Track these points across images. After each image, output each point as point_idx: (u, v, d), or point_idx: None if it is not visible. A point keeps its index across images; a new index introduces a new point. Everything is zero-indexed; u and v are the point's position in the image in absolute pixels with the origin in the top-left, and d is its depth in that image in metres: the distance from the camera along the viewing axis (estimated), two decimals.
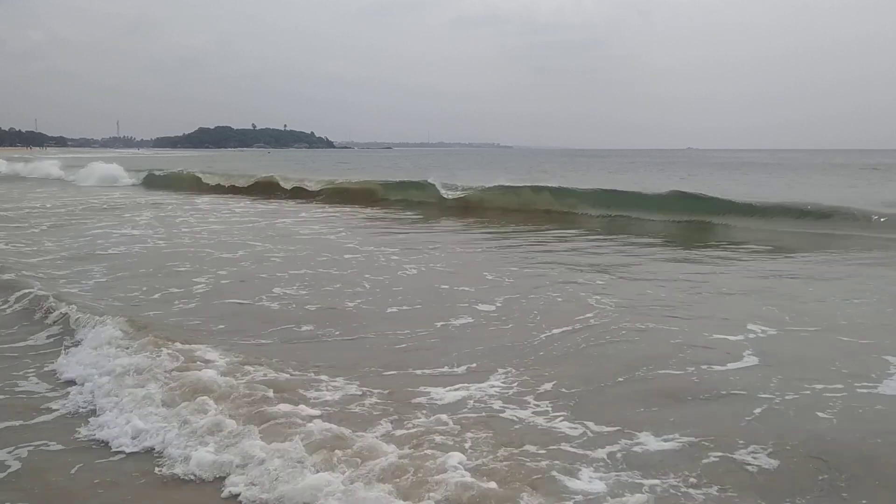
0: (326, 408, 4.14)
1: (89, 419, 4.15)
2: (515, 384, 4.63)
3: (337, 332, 6.00)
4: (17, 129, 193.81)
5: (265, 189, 25.94)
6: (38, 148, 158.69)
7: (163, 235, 12.68)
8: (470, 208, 18.87)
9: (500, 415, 4.12)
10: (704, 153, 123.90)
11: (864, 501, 3.18)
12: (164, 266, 9.20)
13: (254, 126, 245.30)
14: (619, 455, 3.63)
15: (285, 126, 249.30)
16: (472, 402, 4.31)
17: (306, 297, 7.27)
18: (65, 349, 5.40)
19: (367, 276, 8.54)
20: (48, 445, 3.85)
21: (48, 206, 19.18)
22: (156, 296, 7.41)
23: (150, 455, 3.70)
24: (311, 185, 24.56)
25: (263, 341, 5.70)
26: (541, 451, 3.65)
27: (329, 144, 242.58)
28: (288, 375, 4.71)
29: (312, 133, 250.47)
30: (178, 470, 3.51)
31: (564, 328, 5.98)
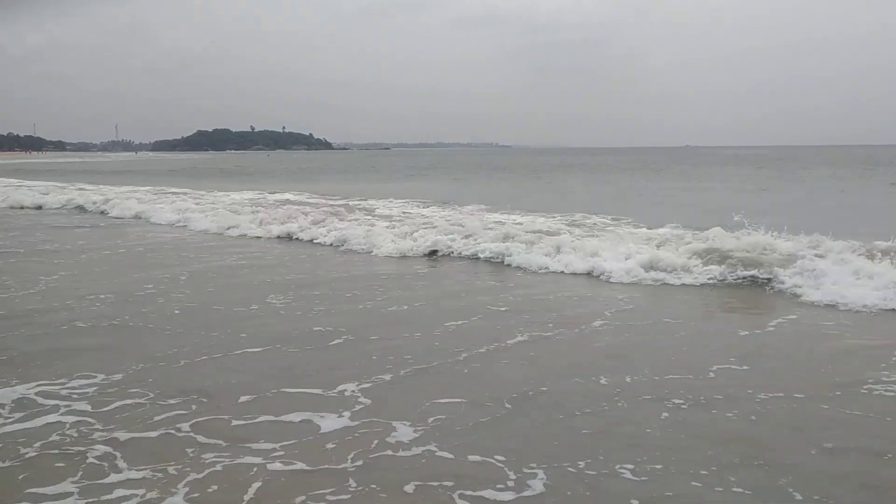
0: None
1: None
2: None
3: None
4: (16, 134, 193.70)
5: None
6: (37, 152, 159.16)
7: None
8: None
9: None
10: (712, 150, 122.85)
11: None
12: None
13: (252, 128, 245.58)
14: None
15: (284, 128, 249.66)
16: None
17: None
18: None
19: None
20: None
21: None
22: None
23: None
24: None
25: None
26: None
27: (328, 146, 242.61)
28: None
29: (311, 135, 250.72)
30: None
31: None
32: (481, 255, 10.93)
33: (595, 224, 14.93)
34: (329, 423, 4.45)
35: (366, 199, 22.40)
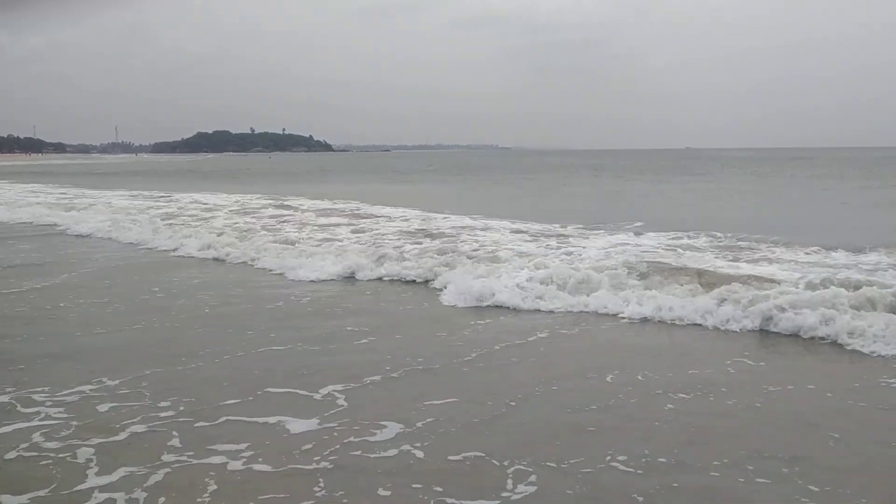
0: None
1: None
2: None
3: None
4: (16, 136, 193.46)
5: None
6: (37, 154, 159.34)
7: None
8: None
9: None
10: (713, 153, 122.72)
11: None
12: None
13: (252, 130, 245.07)
14: None
15: (284, 130, 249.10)
16: None
17: None
18: None
19: None
20: None
21: None
22: None
23: None
24: None
25: None
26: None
27: (328, 147, 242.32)
28: None
29: (311, 136, 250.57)
30: None
31: None
32: None
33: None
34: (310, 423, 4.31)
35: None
